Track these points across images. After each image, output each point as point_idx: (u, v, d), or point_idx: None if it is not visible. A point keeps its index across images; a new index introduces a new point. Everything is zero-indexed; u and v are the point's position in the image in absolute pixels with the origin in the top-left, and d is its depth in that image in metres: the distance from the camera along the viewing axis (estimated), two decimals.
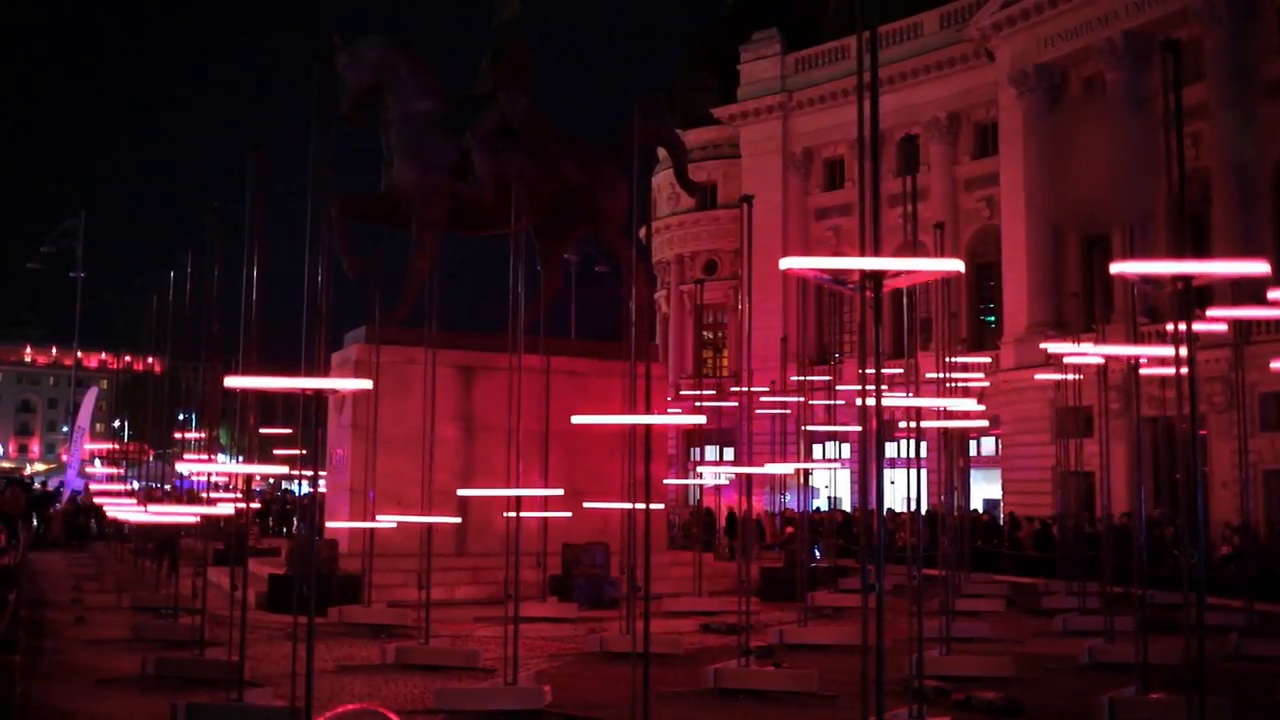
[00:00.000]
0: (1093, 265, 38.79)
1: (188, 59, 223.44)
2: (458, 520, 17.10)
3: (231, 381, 11.83)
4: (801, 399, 26.64)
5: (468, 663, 13.96)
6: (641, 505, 10.61)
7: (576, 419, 14.13)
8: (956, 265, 8.43)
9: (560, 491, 16.22)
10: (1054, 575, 24.90)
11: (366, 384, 14.92)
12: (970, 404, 17.65)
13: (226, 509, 16.23)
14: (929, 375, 18.77)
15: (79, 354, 60.93)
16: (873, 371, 7.77)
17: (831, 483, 31.14)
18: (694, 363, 46.30)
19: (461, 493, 16.63)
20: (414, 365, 19.33)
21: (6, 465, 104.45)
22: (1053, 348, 20.97)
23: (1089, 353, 17.62)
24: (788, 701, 12.45)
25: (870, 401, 7.77)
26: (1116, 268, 9.80)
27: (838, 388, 28.70)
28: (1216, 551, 25.84)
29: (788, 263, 7.59)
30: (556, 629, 17.38)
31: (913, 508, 15.03)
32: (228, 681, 11.02)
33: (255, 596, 18.17)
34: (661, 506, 23.35)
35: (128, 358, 55.84)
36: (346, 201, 22.55)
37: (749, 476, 17.27)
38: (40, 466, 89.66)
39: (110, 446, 44.30)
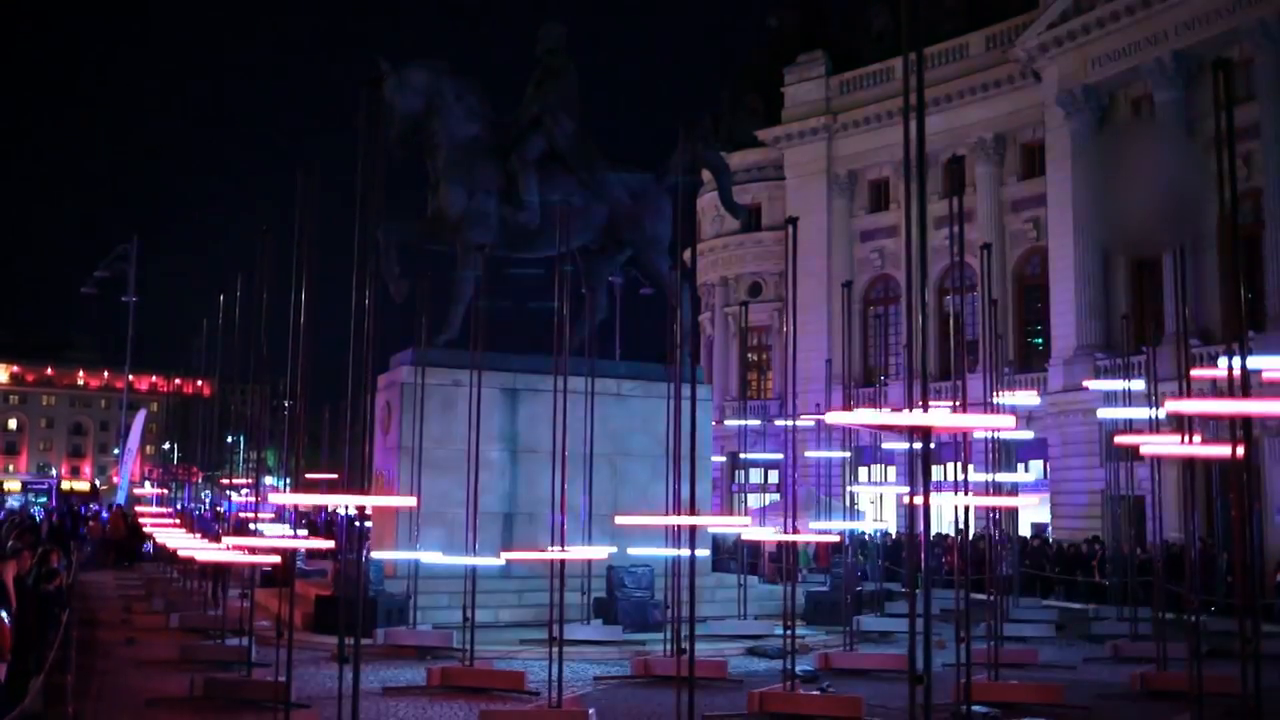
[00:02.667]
0: (1142, 287, 38.39)
1: (239, 84, 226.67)
2: (501, 561, 17.02)
3: (277, 498, 12.00)
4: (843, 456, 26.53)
5: (512, 685, 13.97)
6: (686, 552, 10.59)
7: (621, 519, 14.24)
8: (1007, 421, 8.47)
9: (606, 551, 16.13)
10: (1104, 601, 24.59)
11: (410, 501, 14.92)
12: (1021, 501, 17.36)
13: (273, 557, 16.34)
14: (977, 434, 18.49)
15: (130, 377, 61.64)
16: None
17: (878, 503, 30.87)
18: (739, 385, 46.23)
19: (507, 556, 16.52)
20: (459, 387, 19.42)
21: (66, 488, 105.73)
22: (1095, 385, 20.71)
23: (1143, 441, 17.13)
24: None
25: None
26: (1172, 405, 9.76)
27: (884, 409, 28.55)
28: (1271, 578, 25.39)
29: (834, 418, 7.60)
30: (601, 651, 17.35)
31: (959, 532, 14.90)
32: (275, 702, 11.08)
33: (301, 618, 18.27)
34: (706, 553, 23.21)
35: (178, 381, 56.60)
36: (393, 225, 22.73)
37: (794, 499, 17.20)
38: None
39: (160, 493, 44.64)
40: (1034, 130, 43.76)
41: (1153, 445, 16.25)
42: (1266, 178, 34.18)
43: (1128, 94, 39.83)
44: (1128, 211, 34.09)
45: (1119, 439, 19.79)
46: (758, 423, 34.17)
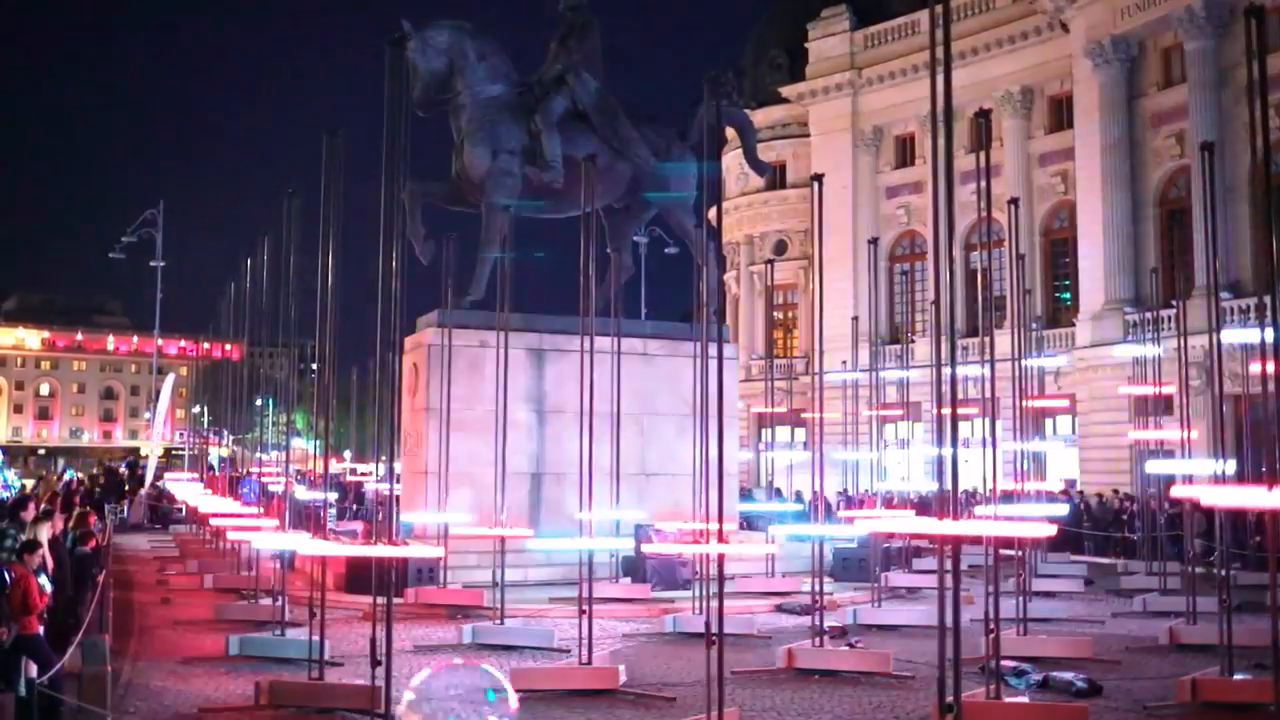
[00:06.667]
0: (1172, 240, 37.99)
1: (265, 48, 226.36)
2: (529, 534, 17.05)
3: (307, 548, 12.05)
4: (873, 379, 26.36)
5: (542, 643, 14.09)
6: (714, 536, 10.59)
7: (649, 548, 14.17)
8: (1049, 531, 8.48)
9: (634, 524, 16.03)
10: (1133, 555, 24.54)
11: (438, 551, 14.92)
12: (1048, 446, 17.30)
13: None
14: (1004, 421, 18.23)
15: (159, 341, 62.14)
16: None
17: (905, 463, 30.78)
18: (765, 343, 46.15)
19: (531, 545, 16.47)
20: (486, 348, 19.47)
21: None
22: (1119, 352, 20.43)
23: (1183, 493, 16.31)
24: (862, 682, 12.41)
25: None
26: (1192, 490, 9.62)
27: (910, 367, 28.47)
28: None
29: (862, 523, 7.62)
30: (629, 610, 17.45)
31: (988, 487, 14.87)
32: (308, 661, 11.23)
33: (333, 579, 18.44)
34: (733, 524, 23.22)
35: (206, 345, 56.97)
36: (418, 186, 22.72)
37: (820, 459, 17.20)
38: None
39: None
40: (1062, 82, 43.23)
41: (1187, 489, 15.88)
42: None
43: (1157, 43, 39.26)
44: None
45: (1176, 490, 19.01)
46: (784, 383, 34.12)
